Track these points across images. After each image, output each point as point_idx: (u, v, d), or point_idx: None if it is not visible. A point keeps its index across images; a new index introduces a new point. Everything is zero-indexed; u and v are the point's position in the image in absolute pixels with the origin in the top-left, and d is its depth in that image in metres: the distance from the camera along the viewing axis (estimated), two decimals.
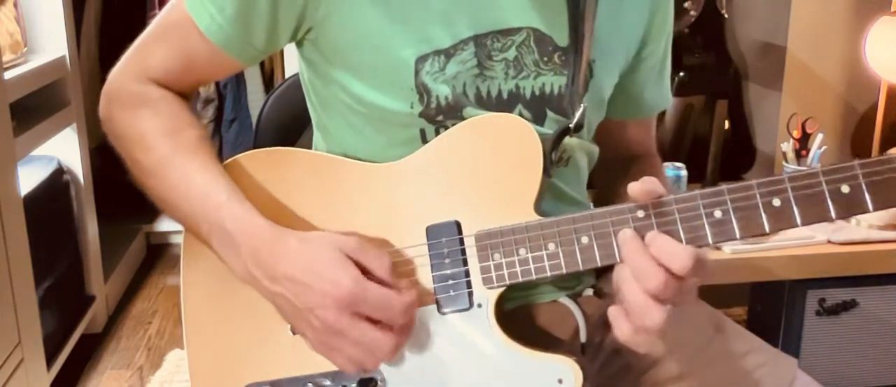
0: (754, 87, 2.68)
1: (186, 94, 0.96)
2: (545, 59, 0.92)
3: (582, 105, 0.92)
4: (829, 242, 1.90)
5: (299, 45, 0.94)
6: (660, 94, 1.11)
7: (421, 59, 0.88)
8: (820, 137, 2.06)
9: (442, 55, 0.88)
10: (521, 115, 0.92)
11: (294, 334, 0.90)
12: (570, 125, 0.92)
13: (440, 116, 0.90)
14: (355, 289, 0.79)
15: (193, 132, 0.91)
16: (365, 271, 0.81)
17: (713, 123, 2.58)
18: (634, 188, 0.79)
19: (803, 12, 2.57)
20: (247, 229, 0.84)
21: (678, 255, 0.74)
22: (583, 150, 1.00)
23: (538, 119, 0.93)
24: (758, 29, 2.63)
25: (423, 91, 0.89)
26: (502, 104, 0.92)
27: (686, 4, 2.45)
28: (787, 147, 2.08)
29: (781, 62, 2.61)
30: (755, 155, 2.70)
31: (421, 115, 0.90)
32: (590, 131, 1.01)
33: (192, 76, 0.94)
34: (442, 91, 0.89)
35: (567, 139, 0.94)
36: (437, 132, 0.91)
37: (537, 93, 0.92)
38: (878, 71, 2.31)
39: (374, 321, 0.81)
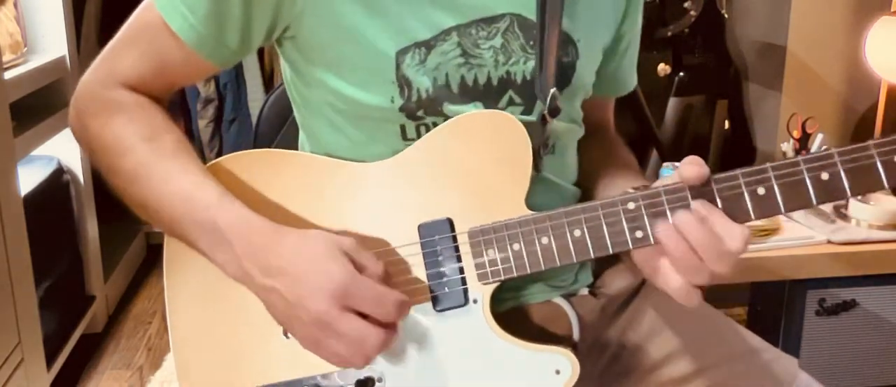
0: (754, 87, 2.68)
1: (160, 99, 0.94)
2: (531, 43, 0.91)
3: (551, 90, 0.91)
4: (829, 242, 1.89)
5: (279, 44, 0.93)
6: (630, 73, 1.11)
7: (401, 52, 0.87)
8: (820, 137, 2.05)
9: (422, 47, 0.88)
10: (511, 100, 0.92)
11: (287, 336, 0.89)
12: (545, 111, 0.91)
13: (420, 110, 0.90)
14: (346, 281, 0.79)
15: (171, 136, 0.90)
16: (359, 268, 0.81)
17: (713, 123, 2.58)
18: (687, 173, 0.80)
19: (803, 12, 2.57)
20: (243, 227, 0.83)
21: (735, 235, 0.78)
22: (569, 133, 1.00)
23: (529, 103, 0.93)
24: (758, 29, 2.63)
25: (404, 84, 0.88)
26: (490, 92, 0.91)
27: (686, 4, 2.45)
28: (787, 147, 2.08)
29: (781, 62, 2.61)
30: (755, 155, 2.69)
31: (401, 109, 0.89)
32: (574, 112, 1.01)
33: (165, 79, 0.93)
34: (423, 83, 0.88)
35: (552, 126, 0.93)
36: (418, 129, 0.91)
37: (527, 77, 0.92)
38: (878, 71, 2.30)
39: (364, 317, 0.80)
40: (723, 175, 0.81)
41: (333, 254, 0.80)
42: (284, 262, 0.81)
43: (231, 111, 3.00)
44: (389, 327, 0.81)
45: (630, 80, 1.12)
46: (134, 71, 0.91)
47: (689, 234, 0.79)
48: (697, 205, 0.80)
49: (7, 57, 2.01)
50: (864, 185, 0.79)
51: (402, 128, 0.91)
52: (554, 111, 0.91)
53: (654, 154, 2.48)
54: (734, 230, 0.79)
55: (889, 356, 1.98)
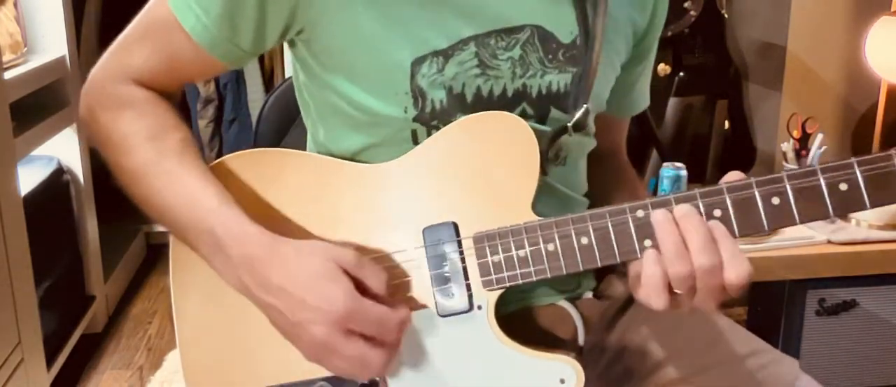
0: (754, 87, 2.68)
1: (170, 94, 0.93)
2: (550, 56, 0.91)
3: (584, 105, 0.91)
4: (829, 242, 1.89)
5: (292, 45, 0.92)
6: (644, 93, 1.11)
7: (417, 62, 0.86)
8: (820, 137, 2.05)
9: (440, 56, 0.87)
10: (524, 112, 0.91)
11: None
12: (569, 124, 0.91)
13: (434, 120, 0.89)
14: (349, 306, 0.77)
15: (178, 134, 0.89)
16: (360, 286, 0.79)
17: (713, 123, 2.58)
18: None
19: (803, 12, 2.57)
20: (239, 237, 0.82)
21: (740, 267, 0.77)
22: (581, 146, 0.99)
23: (542, 117, 0.93)
24: (758, 29, 2.64)
25: (418, 95, 0.88)
26: (506, 102, 0.90)
27: (686, 4, 2.45)
28: (787, 147, 2.08)
29: (781, 62, 2.62)
30: (755, 155, 2.70)
31: (415, 119, 0.89)
32: (589, 126, 1.00)
33: (176, 76, 0.92)
34: (437, 95, 0.88)
35: (565, 137, 0.93)
36: (429, 133, 0.90)
37: (543, 92, 0.91)
38: (878, 71, 2.30)
39: (367, 337, 0.79)
40: (736, 183, 0.79)
41: (332, 274, 0.78)
42: (282, 280, 0.79)
43: (231, 111, 3.00)
44: (391, 345, 0.81)
45: (644, 100, 1.11)
46: (145, 67, 0.90)
47: (694, 254, 0.78)
48: (713, 224, 0.79)
49: (7, 57, 2.01)
50: (886, 196, 0.75)
51: (414, 133, 0.90)
52: (579, 126, 0.91)
53: (654, 154, 2.48)
54: (742, 266, 0.77)
55: (889, 356, 1.99)
